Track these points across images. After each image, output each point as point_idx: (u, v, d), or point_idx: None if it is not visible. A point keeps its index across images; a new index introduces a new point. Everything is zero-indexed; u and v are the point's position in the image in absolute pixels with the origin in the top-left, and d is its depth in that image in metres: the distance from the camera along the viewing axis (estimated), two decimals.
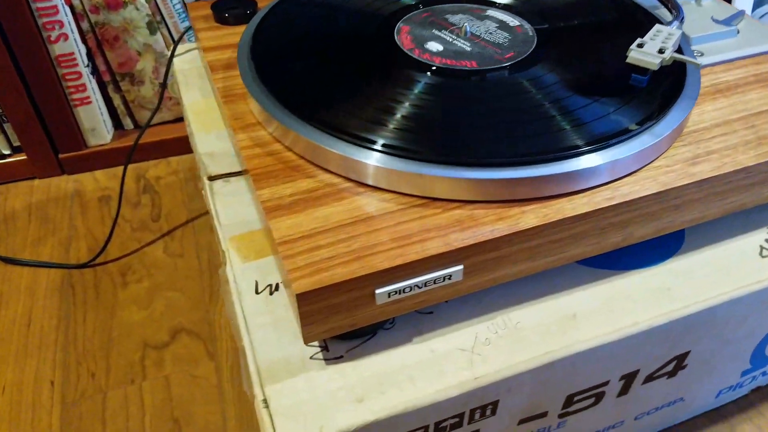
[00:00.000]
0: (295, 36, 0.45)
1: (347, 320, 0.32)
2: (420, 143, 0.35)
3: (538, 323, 0.36)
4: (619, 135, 0.35)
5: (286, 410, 0.32)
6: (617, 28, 0.45)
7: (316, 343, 0.35)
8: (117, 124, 0.86)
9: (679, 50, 0.43)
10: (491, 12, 0.47)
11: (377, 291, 0.31)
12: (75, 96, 0.77)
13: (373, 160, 0.34)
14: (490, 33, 0.45)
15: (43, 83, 0.75)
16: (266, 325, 0.35)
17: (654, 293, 0.37)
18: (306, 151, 0.37)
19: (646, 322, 0.35)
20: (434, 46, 0.43)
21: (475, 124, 0.36)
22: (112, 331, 0.64)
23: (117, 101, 0.83)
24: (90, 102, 0.79)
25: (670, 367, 0.41)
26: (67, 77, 0.76)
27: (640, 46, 0.38)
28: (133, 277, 0.69)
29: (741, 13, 0.48)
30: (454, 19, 0.46)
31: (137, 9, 0.76)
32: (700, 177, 0.35)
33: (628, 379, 0.40)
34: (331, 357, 0.34)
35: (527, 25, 0.46)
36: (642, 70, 0.38)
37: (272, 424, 0.31)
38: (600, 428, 0.44)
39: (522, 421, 0.38)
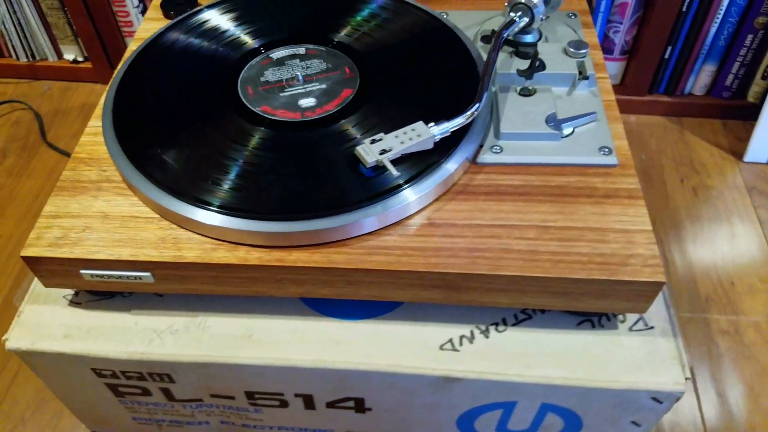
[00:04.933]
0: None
1: (69, 281, 0.45)
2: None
3: (221, 333, 0.46)
4: (323, 207, 0.42)
5: (24, 320, 0.46)
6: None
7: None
8: None
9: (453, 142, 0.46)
10: (321, 54, 0.53)
11: (82, 271, 0.43)
12: (125, 29, 0.95)
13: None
14: (315, 80, 0.52)
15: (102, 17, 0.94)
16: None
17: (319, 340, 0.45)
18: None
19: (294, 361, 0.44)
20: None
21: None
22: None
23: None
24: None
25: (351, 403, 0.49)
26: (119, 14, 0.93)
27: (373, 142, 0.44)
28: None
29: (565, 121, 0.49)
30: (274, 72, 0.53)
31: None
32: (368, 266, 0.42)
33: (306, 398, 0.49)
34: (76, 301, 0.48)
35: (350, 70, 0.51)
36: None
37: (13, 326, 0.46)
38: (308, 427, 0.54)
39: (213, 395, 0.50)
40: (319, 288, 0.44)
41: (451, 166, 0.45)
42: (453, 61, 0.54)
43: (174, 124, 0.49)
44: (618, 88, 0.94)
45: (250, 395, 0.49)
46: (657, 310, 0.46)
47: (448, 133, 0.46)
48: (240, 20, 0.58)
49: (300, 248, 0.43)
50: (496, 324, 0.46)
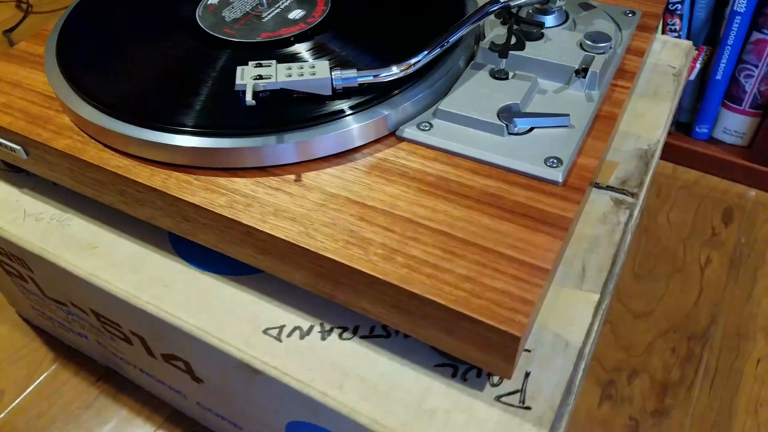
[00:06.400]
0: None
1: None
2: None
3: (73, 234, 0.43)
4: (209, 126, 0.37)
5: None
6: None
7: None
8: None
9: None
10: None
11: None
12: None
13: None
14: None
15: None
16: None
17: (151, 277, 0.40)
18: None
19: (110, 286, 0.39)
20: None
21: None
22: None
23: None
24: None
25: (181, 365, 0.43)
26: None
27: (259, 66, 0.37)
28: None
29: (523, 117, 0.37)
30: None
31: None
32: (197, 201, 0.35)
33: (142, 341, 0.43)
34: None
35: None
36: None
37: None
38: (164, 381, 0.49)
39: (73, 304, 0.47)
40: (160, 215, 0.39)
41: (346, 125, 0.37)
42: (441, 14, 0.45)
43: (91, 19, 0.48)
44: (743, 152, 0.73)
45: (97, 315, 0.45)
46: (551, 394, 0.33)
47: (355, 84, 0.37)
48: None
49: (148, 163, 0.38)
50: (344, 329, 0.37)
